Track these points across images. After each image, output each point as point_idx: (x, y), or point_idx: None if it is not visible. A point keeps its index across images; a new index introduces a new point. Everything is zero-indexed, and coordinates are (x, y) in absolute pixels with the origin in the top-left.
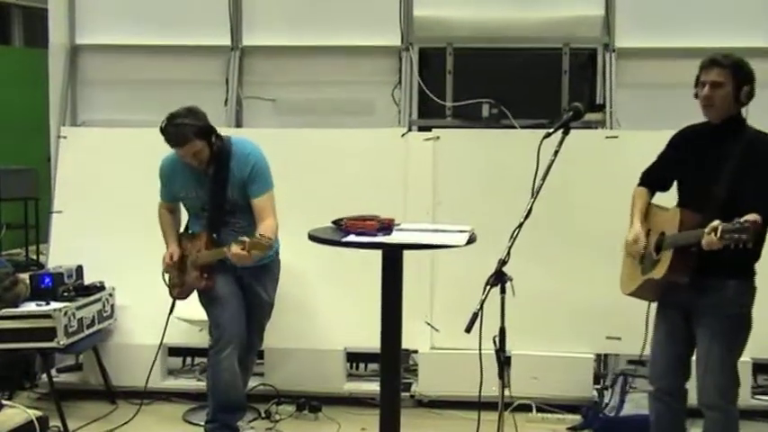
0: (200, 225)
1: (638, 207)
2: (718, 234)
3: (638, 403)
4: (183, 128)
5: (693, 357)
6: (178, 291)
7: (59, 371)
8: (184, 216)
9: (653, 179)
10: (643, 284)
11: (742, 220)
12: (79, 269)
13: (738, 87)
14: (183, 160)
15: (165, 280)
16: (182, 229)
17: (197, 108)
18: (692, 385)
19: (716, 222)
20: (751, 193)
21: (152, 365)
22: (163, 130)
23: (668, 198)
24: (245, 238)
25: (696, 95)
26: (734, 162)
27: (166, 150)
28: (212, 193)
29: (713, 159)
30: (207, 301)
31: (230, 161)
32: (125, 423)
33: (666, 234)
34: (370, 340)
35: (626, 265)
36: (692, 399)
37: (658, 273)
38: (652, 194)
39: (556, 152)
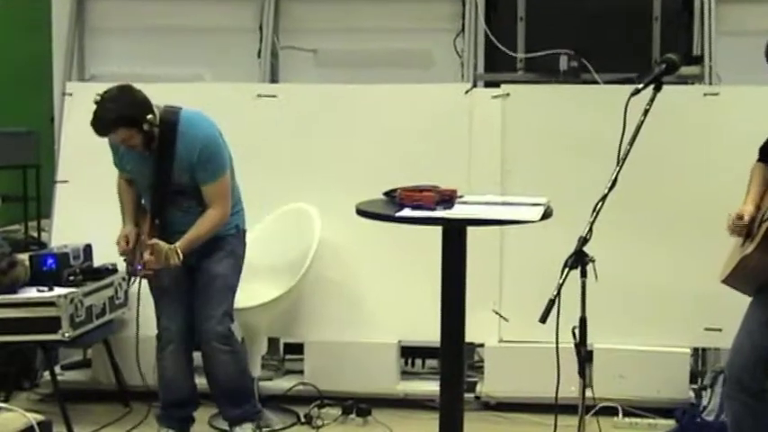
0: (147, 201)
1: (754, 183)
2: None
3: None
4: (106, 114)
5: None
6: (131, 269)
7: (64, 368)
8: None
9: None
10: (738, 266)
11: None
12: (87, 249)
13: None
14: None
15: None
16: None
17: (129, 88)
18: None
19: None
20: None
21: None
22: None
23: None
24: (157, 242)
25: None
26: None
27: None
28: (156, 174)
29: None
30: (152, 287)
31: (177, 141)
32: (140, 429)
33: None
34: (428, 332)
35: (733, 248)
36: None
37: (749, 247)
38: None
39: (646, 112)
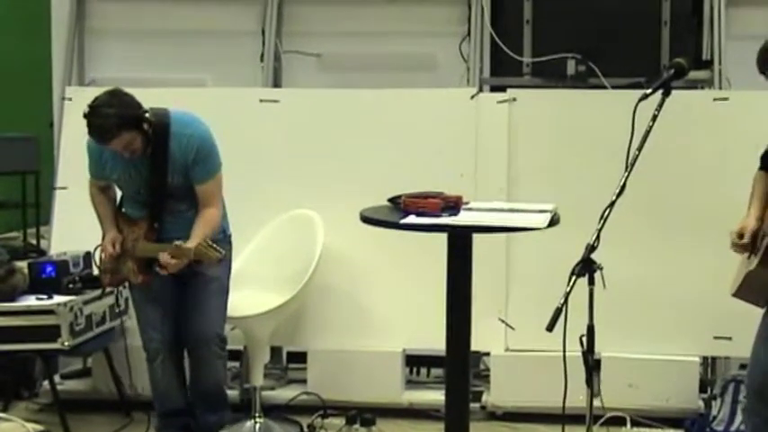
0: (136, 209)
1: (756, 196)
2: None
3: None
4: (107, 120)
5: None
6: (110, 279)
7: (64, 377)
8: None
9: None
10: (744, 280)
11: None
12: (87, 256)
13: None
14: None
15: (95, 263)
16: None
17: (120, 91)
18: None
19: None
20: None
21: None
22: (86, 120)
23: None
24: (179, 243)
25: None
26: None
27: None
28: (151, 177)
29: None
30: (136, 296)
31: (170, 141)
32: None
33: None
34: (434, 341)
35: (740, 262)
36: None
37: (752, 264)
38: None
39: (654, 117)
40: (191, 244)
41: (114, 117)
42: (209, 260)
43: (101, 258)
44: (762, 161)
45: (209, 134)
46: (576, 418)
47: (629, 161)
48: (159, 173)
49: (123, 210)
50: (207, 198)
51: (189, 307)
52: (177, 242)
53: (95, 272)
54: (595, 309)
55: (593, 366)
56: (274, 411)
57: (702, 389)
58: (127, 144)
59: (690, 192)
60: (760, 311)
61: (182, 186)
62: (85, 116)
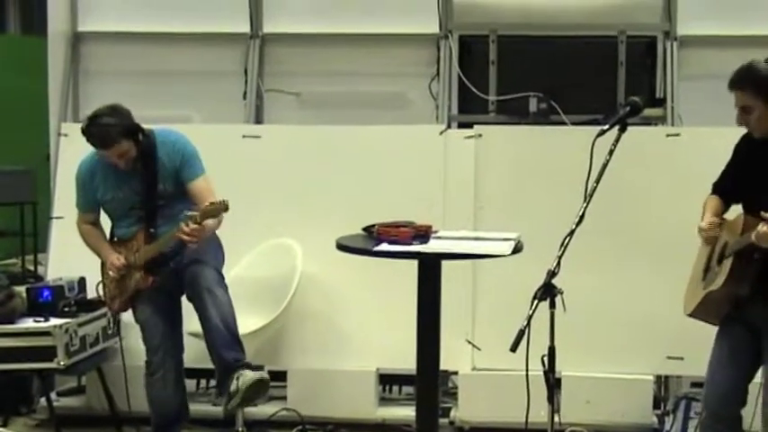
0: (129, 225)
1: (709, 205)
2: None
3: None
4: (108, 128)
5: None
6: (119, 302)
7: (60, 394)
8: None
9: (723, 190)
10: (704, 300)
11: None
12: (81, 281)
13: None
14: (108, 161)
15: (99, 293)
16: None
17: (120, 105)
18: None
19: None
20: None
21: None
22: (85, 132)
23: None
24: (194, 212)
25: None
26: None
27: None
28: (144, 189)
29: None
30: (140, 314)
31: (157, 152)
32: None
33: (729, 242)
34: (405, 360)
35: (690, 283)
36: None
37: (717, 283)
38: (726, 205)
39: (611, 151)
40: (196, 210)
41: (116, 126)
42: (219, 212)
43: (104, 290)
44: (713, 188)
45: (191, 142)
46: None
47: (588, 192)
48: (150, 182)
49: (115, 238)
50: (203, 195)
51: (188, 262)
52: (185, 212)
53: (89, 296)
54: (556, 330)
55: (553, 384)
56: (256, 427)
57: (656, 405)
58: (123, 153)
59: (644, 220)
60: (710, 334)
61: (172, 193)
62: (85, 127)
